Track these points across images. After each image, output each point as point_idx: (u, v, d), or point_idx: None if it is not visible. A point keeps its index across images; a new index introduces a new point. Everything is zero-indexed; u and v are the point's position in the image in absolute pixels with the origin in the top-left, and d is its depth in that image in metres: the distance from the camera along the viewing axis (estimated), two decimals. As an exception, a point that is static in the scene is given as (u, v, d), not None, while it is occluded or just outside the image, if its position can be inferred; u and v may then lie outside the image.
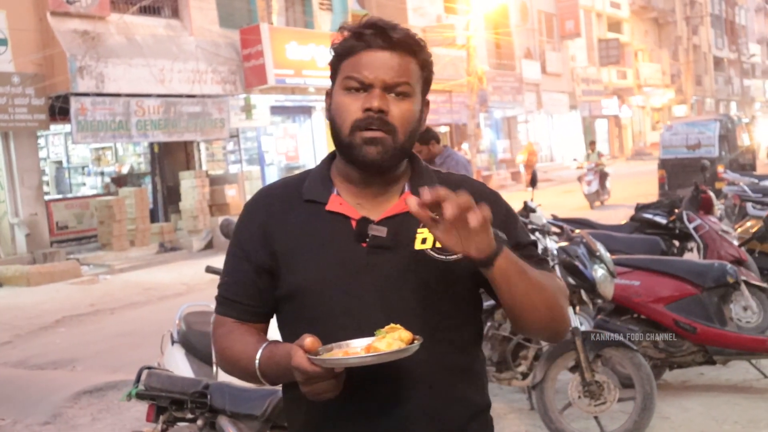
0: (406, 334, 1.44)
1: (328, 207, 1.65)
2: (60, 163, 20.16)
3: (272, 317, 1.76)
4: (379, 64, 1.59)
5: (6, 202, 14.72)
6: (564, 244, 4.79)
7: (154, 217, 17.80)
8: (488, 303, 5.13)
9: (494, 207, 1.64)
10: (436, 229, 1.44)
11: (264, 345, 1.58)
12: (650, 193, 16.49)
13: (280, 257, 1.66)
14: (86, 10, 15.35)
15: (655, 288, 5.11)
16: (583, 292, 4.56)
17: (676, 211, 7.32)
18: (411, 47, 1.62)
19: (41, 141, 18.11)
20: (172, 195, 18.15)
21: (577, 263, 4.53)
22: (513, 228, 1.70)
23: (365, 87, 1.60)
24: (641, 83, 43.40)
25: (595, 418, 4.44)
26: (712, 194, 7.48)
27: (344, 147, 1.63)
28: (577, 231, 5.51)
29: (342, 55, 1.63)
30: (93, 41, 15.13)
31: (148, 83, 15.96)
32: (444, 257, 1.60)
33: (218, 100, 17.66)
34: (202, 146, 19.16)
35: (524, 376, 4.89)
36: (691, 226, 7.03)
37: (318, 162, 1.79)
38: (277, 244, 1.66)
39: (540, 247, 5.15)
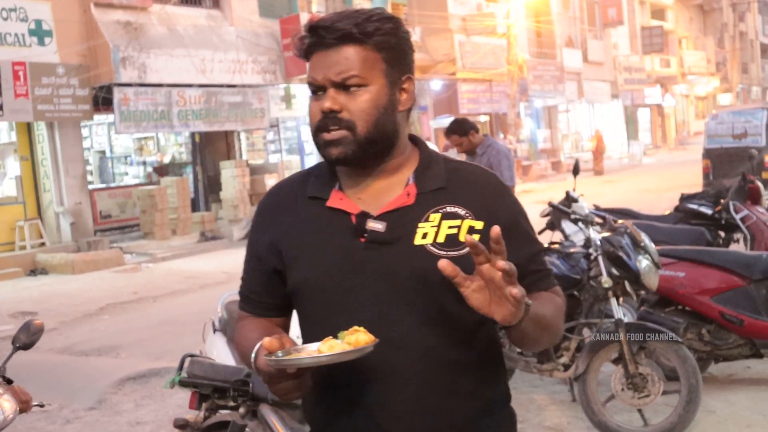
0: (365, 337, 1.45)
1: (328, 203, 1.64)
2: (103, 152, 20.46)
3: (291, 311, 1.79)
4: (324, 64, 1.59)
5: (51, 192, 14.99)
6: (607, 234, 4.72)
7: (195, 207, 18.00)
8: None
9: (500, 207, 1.64)
10: (467, 287, 1.43)
11: (260, 343, 1.58)
12: (694, 183, 16.22)
13: (285, 256, 1.67)
14: (129, 1, 15.53)
15: (701, 279, 5.01)
16: (627, 283, 4.48)
17: (722, 201, 7.18)
18: (351, 36, 1.58)
19: (85, 131, 18.39)
20: (212, 184, 18.32)
21: (621, 254, 4.46)
22: (520, 234, 1.66)
23: (321, 89, 1.61)
24: (685, 71, 42.67)
25: (639, 410, 4.38)
26: (759, 184, 7.33)
27: (317, 147, 1.65)
28: (621, 221, 5.43)
29: (305, 60, 1.66)
30: (135, 32, 15.31)
31: (189, 73, 16.11)
32: (444, 253, 1.57)
33: (258, 89, 17.76)
34: (243, 136, 19.30)
35: (566, 367, 4.84)
36: (737, 217, 6.89)
37: None
38: (282, 245, 1.68)
39: (582, 237, 5.08)
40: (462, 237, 1.59)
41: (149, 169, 19.65)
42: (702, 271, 5.04)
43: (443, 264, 1.41)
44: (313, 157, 20.82)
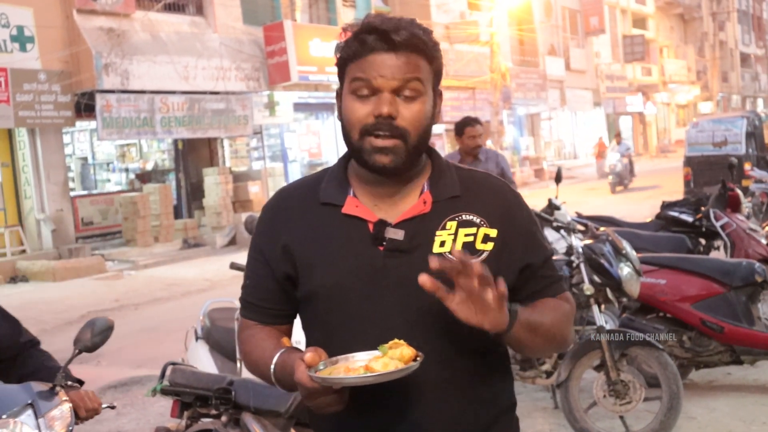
0: (408, 351, 1.44)
1: (344, 210, 1.63)
2: (85, 159, 20.35)
3: (296, 318, 1.76)
4: (385, 67, 1.54)
5: (32, 198, 14.88)
6: (589, 241, 4.74)
7: (177, 214, 17.92)
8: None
9: (515, 214, 1.66)
10: (451, 300, 1.44)
11: (279, 353, 1.57)
12: (675, 191, 16.34)
13: (297, 263, 1.65)
14: (111, 7, 15.47)
15: (682, 287, 5.05)
16: (608, 291, 4.51)
17: (703, 209, 7.22)
18: (416, 46, 1.56)
19: (67, 137, 18.29)
20: (195, 191, 18.25)
21: (602, 261, 4.48)
22: (531, 243, 1.67)
23: (373, 91, 1.56)
24: (666, 80, 43.00)
25: (621, 417, 4.40)
26: (739, 192, 7.38)
27: (355, 151, 1.60)
28: (602, 229, 5.47)
29: (347, 58, 1.59)
30: (118, 38, 15.25)
31: (172, 80, 16.05)
32: None
33: (242, 96, 17.73)
34: (226, 143, 19.25)
35: (548, 374, 4.86)
36: (718, 224, 6.93)
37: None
38: (294, 250, 1.65)
39: (564, 244, 5.10)
40: (478, 245, 1.60)
41: (131, 175, 19.56)
42: (683, 278, 5.08)
43: (423, 279, 1.42)
44: (296, 165, 20.80)
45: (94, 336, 2.52)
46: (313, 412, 1.70)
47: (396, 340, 1.46)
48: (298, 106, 19.85)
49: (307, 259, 1.63)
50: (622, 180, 22.86)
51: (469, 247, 1.59)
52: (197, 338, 4.39)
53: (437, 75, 1.63)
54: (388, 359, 1.42)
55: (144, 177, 19.02)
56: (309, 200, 1.68)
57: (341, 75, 1.62)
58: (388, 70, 1.54)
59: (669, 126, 46.71)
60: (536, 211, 5.52)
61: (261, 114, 18.60)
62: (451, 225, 1.61)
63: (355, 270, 1.59)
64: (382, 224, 1.60)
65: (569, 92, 32.92)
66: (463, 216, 1.62)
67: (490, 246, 1.60)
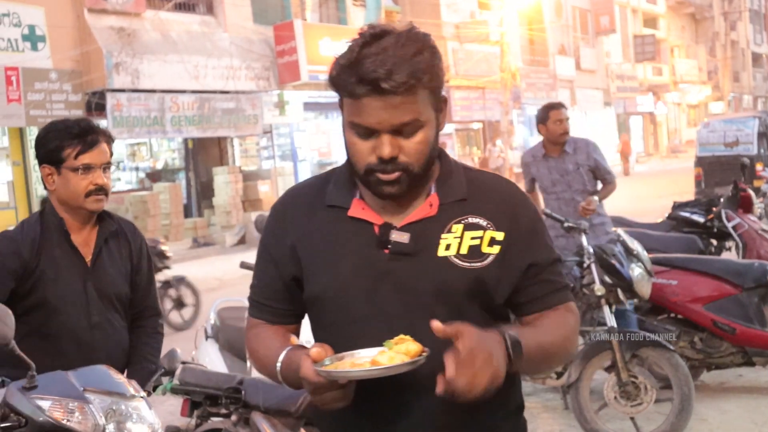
0: (414, 346, 1.43)
1: (350, 213, 1.62)
2: (96, 158, 20.38)
3: (304, 317, 1.76)
4: (380, 112, 1.50)
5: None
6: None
7: (187, 213, 17.96)
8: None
9: (521, 215, 1.63)
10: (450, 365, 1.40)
11: (285, 351, 1.58)
12: (686, 191, 16.26)
13: (303, 264, 1.65)
14: (122, 6, 15.53)
15: (693, 287, 5.02)
16: (619, 291, 4.49)
17: (714, 209, 7.20)
18: (412, 86, 1.49)
19: (78, 136, 18.32)
20: (205, 190, 18.29)
21: (613, 262, 4.46)
22: (536, 242, 1.65)
23: (372, 132, 1.52)
24: (677, 80, 42.85)
25: (632, 419, 4.37)
26: (751, 192, 7.34)
27: (361, 180, 1.60)
28: (613, 229, 5.45)
29: (341, 93, 1.56)
30: (129, 38, 15.30)
31: (182, 79, 16.10)
32: (468, 264, 1.57)
33: (252, 96, 17.76)
34: (236, 142, 19.29)
35: (559, 375, 4.84)
36: (729, 225, 6.91)
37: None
38: (301, 252, 1.65)
39: (575, 245, 5.08)
40: (484, 248, 1.58)
41: (142, 174, 19.61)
42: (694, 279, 5.05)
43: (435, 324, 1.42)
44: (305, 164, 20.83)
45: (171, 363, 3.04)
46: (319, 410, 1.68)
47: (402, 336, 1.45)
48: (308, 106, 19.87)
49: (313, 261, 1.64)
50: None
51: (475, 251, 1.58)
52: (207, 337, 4.39)
53: (437, 92, 1.57)
54: (394, 353, 1.41)
55: (154, 176, 19.07)
56: (316, 201, 1.67)
57: (339, 92, 1.57)
58: (385, 115, 1.50)
59: (680, 126, 46.55)
60: (547, 211, 5.50)
61: (271, 113, 18.63)
62: (457, 228, 1.59)
63: (359, 272, 1.59)
64: (387, 227, 1.59)
65: (579, 92, 32.85)
66: (470, 219, 1.60)
67: (496, 249, 1.59)
